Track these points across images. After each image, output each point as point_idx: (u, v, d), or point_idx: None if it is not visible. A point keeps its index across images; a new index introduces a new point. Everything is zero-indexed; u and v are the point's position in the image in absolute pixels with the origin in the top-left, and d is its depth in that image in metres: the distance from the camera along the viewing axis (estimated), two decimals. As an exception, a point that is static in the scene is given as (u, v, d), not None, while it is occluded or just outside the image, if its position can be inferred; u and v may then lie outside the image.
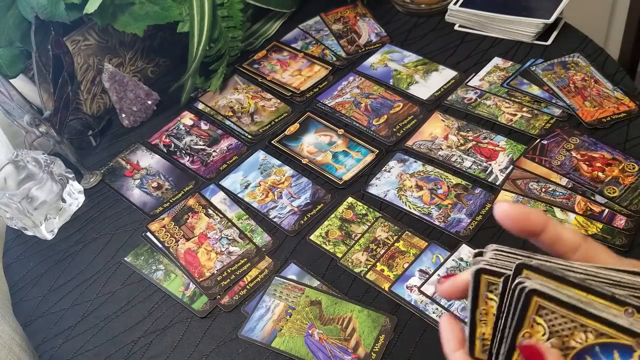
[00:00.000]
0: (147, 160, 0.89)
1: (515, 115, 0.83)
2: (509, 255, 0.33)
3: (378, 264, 0.70)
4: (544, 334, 0.31)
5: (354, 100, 0.91)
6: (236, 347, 0.66)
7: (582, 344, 0.30)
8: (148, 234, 0.79)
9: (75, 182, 0.85)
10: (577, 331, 0.30)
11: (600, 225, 0.69)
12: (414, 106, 0.88)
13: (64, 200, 0.83)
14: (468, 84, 0.89)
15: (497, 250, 0.34)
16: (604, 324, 0.29)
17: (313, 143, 0.86)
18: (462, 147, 0.81)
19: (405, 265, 0.69)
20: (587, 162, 0.75)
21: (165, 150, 0.90)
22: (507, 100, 0.85)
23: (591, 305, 0.30)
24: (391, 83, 0.92)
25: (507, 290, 0.32)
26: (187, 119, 0.94)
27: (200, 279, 0.73)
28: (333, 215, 0.76)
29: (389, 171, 0.80)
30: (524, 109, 0.84)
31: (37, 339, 0.71)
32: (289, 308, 0.68)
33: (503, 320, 0.32)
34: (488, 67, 0.91)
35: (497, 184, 0.76)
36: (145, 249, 0.78)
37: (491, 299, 0.34)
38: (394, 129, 0.85)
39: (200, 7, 0.88)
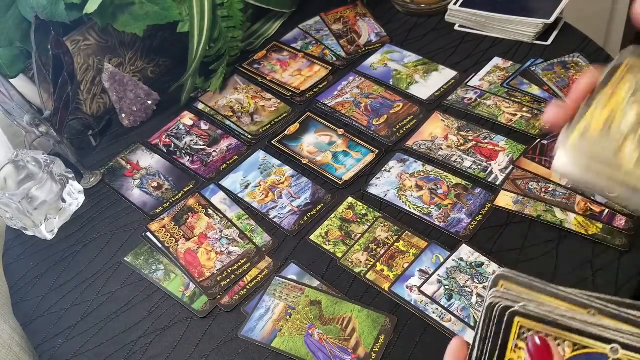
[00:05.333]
0: (147, 160, 0.89)
1: (515, 115, 0.83)
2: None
3: (378, 264, 0.70)
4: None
5: (354, 100, 0.91)
6: (236, 347, 0.66)
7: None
8: (148, 234, 0.79)
9: (75, 182, 0.85)
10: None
11: (600, 225, 0.69)
12: (414, 106, 0.88)
13: (64, 200, 0.83)
14: (468, 84, 0.89)
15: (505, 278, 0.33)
16: (578, 334, 0.30)
17: (313, 143, 0.86)
18: (462, 147, 0.81)
19: (405, 265, 0.69)
20: (587, 162, 0.75)
21: (165, 150, 0.90)
22: (507, 100, 0.85)
23: (566, 317, 0.30)
24: (391, 83, 0.92)
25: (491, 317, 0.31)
26: (187, 119, 0.94)
27: (200, 279, 0.73)
28: (333, 215, 0.76)
29: (389, 171, 0.80)
30: (524, 109, 0.84)
31: (37, 339, 0.71)
32: (289, 308, 0.68)
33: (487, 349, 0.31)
34: (488, 67, 0.91)
35: (497, 184, 0.76)
36: (145, 249, 0.78)
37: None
38: (394, 129, 0.85)
39: (200, 7, 0.88)
